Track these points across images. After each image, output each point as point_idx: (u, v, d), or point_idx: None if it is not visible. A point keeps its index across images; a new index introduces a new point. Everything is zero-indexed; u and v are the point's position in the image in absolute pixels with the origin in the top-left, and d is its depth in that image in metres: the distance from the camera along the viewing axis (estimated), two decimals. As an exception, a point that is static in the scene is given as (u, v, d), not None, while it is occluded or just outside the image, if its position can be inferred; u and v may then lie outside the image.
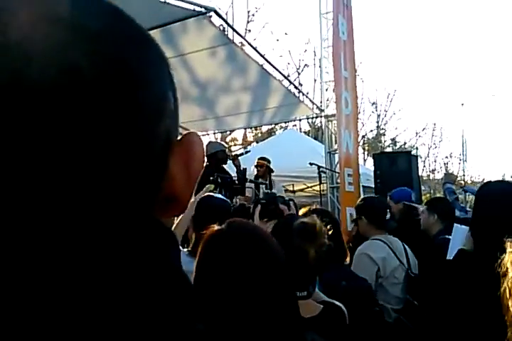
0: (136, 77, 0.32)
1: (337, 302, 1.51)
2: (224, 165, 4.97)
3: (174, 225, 2.53)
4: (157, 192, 0.35)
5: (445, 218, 3.35)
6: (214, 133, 13.83)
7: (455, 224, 2.85)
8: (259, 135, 18.89)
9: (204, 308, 1.06)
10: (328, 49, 6.37)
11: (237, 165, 5.06)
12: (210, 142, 5.27)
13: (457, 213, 5.13)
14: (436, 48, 47.23)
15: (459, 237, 2.67)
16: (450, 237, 3.07)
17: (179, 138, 0.37)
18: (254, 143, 16.88)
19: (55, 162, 0.29)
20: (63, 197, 0.29)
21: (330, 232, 1.59)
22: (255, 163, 5.81)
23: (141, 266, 0.33)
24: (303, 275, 1.49)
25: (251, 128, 12.14)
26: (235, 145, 19.63)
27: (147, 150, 0.33)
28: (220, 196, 2.73)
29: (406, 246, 2.90)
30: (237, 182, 4.74)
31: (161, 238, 0.35)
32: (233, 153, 5.95)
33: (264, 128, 17.31)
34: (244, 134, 19.69)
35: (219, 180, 3.97)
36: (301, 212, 2.37)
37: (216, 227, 1.22)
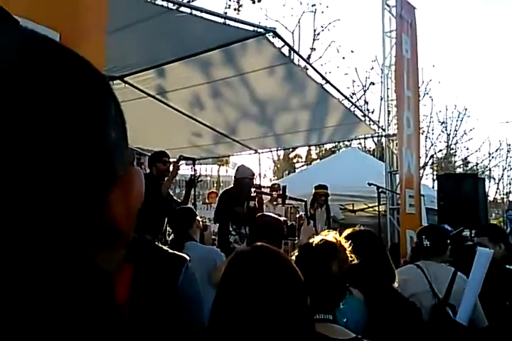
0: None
1: None
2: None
3: None
4: (94, 223, 0.34)
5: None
6: (277, 150, 13.94)
7: (479, 248, 2.77)
8: (323, 152, 18.78)
9: (222, 325, 1.08)
10: (391, 68, 6.27)
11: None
12: (241, 166, 5.14)
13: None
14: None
15: (483, 260, 2.57)
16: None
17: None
18: (318, 160, 16.80)
19: None
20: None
21: (349, 248, 1.58)
22: (317, 192, 5.86)
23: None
24: (327, 293, 1.48)
25: (309, 146, 12.10)
26: (297, 162, 19.63)
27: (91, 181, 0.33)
28: (273, 215, 2.91)
29: (458, 275, 2.75)
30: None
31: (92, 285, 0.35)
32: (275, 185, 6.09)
33: (328, 146, 17.19)
34: (308, 151, 19.66)
35: None
36: (345, 233, 2.32)
37: (241, 248, 1.27)
